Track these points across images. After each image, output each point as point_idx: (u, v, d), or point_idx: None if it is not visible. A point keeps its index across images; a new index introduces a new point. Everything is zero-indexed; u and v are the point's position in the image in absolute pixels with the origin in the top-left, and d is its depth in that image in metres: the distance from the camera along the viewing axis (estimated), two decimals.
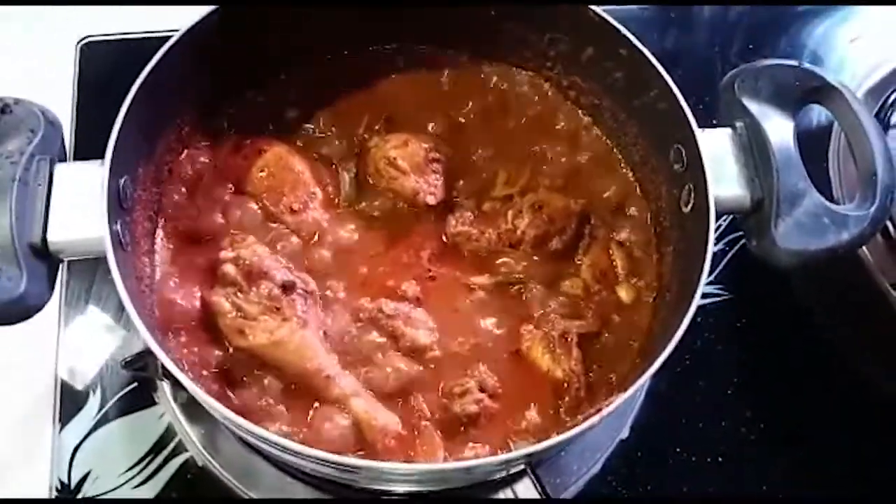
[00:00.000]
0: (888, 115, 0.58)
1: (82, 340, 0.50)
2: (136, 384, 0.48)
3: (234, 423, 0.33)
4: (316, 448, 0.34)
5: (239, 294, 0.38)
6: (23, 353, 0.49)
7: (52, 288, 0.36)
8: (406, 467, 0.36)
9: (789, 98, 0.40)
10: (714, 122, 0.40)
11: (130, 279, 0.35)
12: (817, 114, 0.58)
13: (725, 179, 0.38)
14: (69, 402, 0.48)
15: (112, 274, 0.33)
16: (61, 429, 0.47)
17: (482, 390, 0.40)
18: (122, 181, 0.36)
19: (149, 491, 0.46)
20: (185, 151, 0.42)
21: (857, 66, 0.62)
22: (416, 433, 0.38)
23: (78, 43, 0.57)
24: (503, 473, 0.43)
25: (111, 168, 0.35)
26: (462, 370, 0.41)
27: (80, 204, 0.35)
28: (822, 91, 0.41)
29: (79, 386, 0.49)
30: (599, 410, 0.34)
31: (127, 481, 0.46)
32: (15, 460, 0.47)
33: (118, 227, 0.35)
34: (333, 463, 0.34)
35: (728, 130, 0.40)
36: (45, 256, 0.35)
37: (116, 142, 0.35)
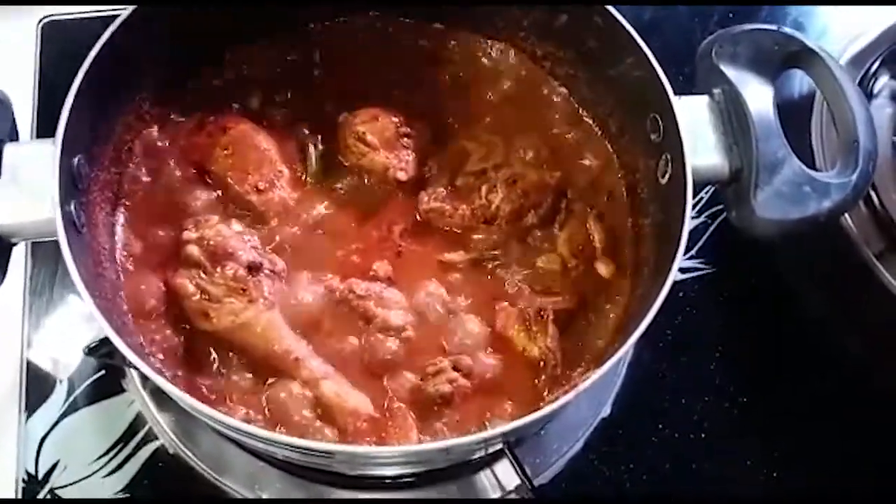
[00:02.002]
0: (871, 83, 0.57)
1: (49, 327, 0.48)
2: (103, 372, 0.47)
3: (198, 411, 0.32)
4: (285, 432, 0.33)
5: (203, 276, 0.37)
6: None
7: (5, 272, 0.34)
8: (377, 450, 0.35)
9: (769, 63, 0.39)
10: (694, 87, 0.39)
11: (87, 262, 0.34)
12: (799, 83, 0.57)
13: (703, 148, 0.37)
14: (36, 391, 0.47)
15: (64, 257, 0.31)
16: (28, 418, 0.46)
17: (456, 370, 0.39)
18: (76, 161, 0.35)
19: (119, 480, 0.45)
20: (146, 130, 0.41)
21: (839, 34, 0.61)
22: (388, 415, 0.37)
23: (39, 22, 0.56)
24: (482, 453, 0.42)
25: (63, 147, 0.33)
26: (436, 350, 0.39)
27: (31, 185, 0.33)
28: (802, 56, 0.40)
29: (46, 374, 0.47)
30: (575, 387, 0.33)
31: (97, 471, 0.45)
32: None
33: (72, 208, 0.34)
34: (302, 448, 0.33)
35: (705, 98, 0.39)
36: None
37: (69, 119, 0.34)
